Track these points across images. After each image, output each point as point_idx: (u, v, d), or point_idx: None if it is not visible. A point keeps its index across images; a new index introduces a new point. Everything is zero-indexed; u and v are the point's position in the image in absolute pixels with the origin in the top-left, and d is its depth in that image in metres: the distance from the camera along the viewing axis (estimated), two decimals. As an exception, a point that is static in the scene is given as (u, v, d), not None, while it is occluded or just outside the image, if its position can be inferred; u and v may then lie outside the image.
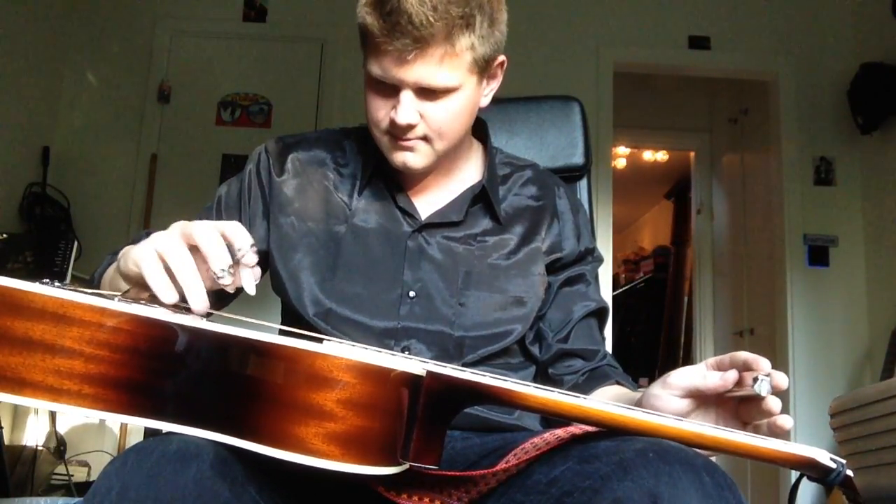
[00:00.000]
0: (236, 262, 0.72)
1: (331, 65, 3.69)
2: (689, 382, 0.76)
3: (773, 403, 0.73)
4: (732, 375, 0.74)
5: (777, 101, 3.78)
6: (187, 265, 0.70)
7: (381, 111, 0.95)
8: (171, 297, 0.70)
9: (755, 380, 0.71)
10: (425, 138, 0.96)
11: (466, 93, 0.95)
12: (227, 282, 0.72)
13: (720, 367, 0.76)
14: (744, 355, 0.74)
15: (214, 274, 0.71)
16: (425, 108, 0.93)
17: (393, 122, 0.94)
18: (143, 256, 0.71)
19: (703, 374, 0.76)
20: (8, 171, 3.25)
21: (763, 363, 0.72)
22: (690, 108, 4.91)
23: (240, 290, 1.00)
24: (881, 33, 3.51)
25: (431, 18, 0.86)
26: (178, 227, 0.74)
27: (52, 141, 3.52)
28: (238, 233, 0.73)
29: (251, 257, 0.73)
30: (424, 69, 0.90)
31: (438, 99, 0.93)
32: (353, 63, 3.62)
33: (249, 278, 0.75)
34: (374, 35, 0.89)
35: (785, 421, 0.74)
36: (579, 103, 1.40)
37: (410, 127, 0.94)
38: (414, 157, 0.97)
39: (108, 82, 3.71)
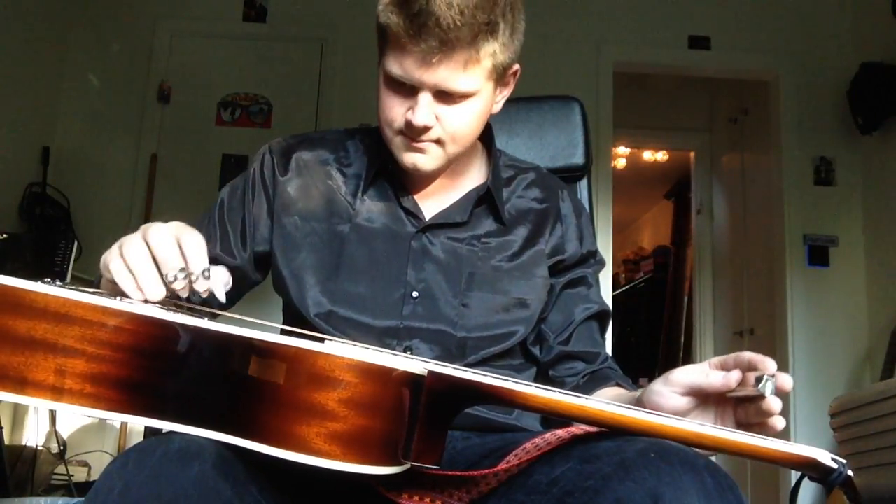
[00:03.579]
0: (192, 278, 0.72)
1: (331, 65, 3.69)
2: (692, 381, 0.77)
3: (774, 403, 0.73)
4: (735, 375, 0.74)
5: (777, 101, 3.79)
6: (140, 258, 0.71)
7: (396, 111, 0.94)
8: (136, 293, 0.70)
9: (758, 380, 0.71)
10: (438, 141, 0.96)
11: (483, 99, 0.95)
12: (178, 286, 0.71)
13: (724, 367, 0.76)
14: (749, 356, 0.74)
15: (166, 277, 0.71)
16: (442, 111, 0.93)
17: (409, 124, 0.93)
18: (110, 259, 0.74)
19: (706, 372, 0.76)
20: (8, 171, 3.25)
21: (769, 364, 0.72)
22: (690, 108, 4.91)
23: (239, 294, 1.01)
24: (881, 33, 3.51)
25: (458, 22, 0.86)
26: (141, 229, 0.75)
27: (52, 141, 3.52)
28: (192, 250, 0.72)
29: (202, 283, 0.72)
30: (447, 73, 0.90)
31: (456, 103, 0.93)
32: (353, 63, 3.62)
33: (218, 285, 0.74)
34: (398, 35, 0.89)
35: (777, 422, 0.74)
36: (579, 103, 1.40)
37: (426, 129, 0.93)
38: (425, 160, 0.97)
39: (108, 82, 3.71)
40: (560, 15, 3.77)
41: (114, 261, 0.73)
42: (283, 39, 3.76)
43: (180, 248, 0.72)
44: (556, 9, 3.77)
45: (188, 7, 3.78)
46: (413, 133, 0.94)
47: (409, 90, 0.93)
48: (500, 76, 0.96)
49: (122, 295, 0.70)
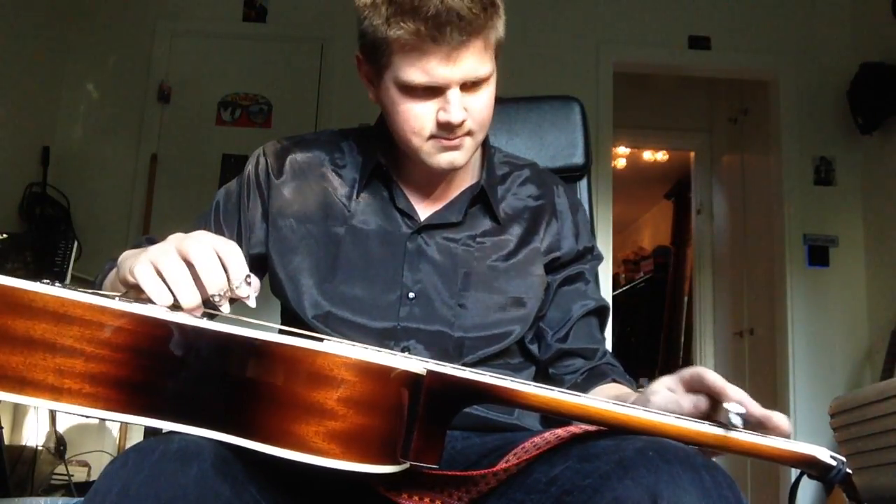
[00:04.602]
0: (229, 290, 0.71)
1: (331, 65, 3.69)
2: (669, 409, 0.73)
3: (778, 420, 0.69)
4: (703, 405, 0.72)
5: (777, 101, 3.78)
6: (180, 274, 0.69)
7: (425, 117, 0.94)
8: (166, 300, 0.69)
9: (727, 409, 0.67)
10: (469, 132, 0.96)
11: (494, 78, 0.96)
12: (224, 308, 0.71)
13: (691, 386, 0.73)
14: (711, 382, 0.70)
15: (211, 297, 0.70)
16: (468, 101, 0.93)
17: (444, 124, 0.93)
18: (137, 265, 0.71)
19: (677, 401, 0.74)
20: (8, 171, 3.25)
21: (731, 393, 0.69)
22: (690, 108, 4.91)
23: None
24: (881, 33, 3.51)
25: (475, 10, 0.87)
26: (174, 241, 0.72)
27: (52, 141, 3.52)
28: (234, 261, 0.71)
29: (244, 290, 0.71)
30: (472, 62, 0.90)
31: (478, 90, 0.94)
32: (353, 63, 3.61)
33: (250, 292, 0.73)
34: (415, 43, 0.88)
35: (781, 420, 0.70)
36: (579, 103, 1.40)
37: (461, 124, 0.94)
38: (460, 155, 0.97)
39: (109, 82, 3.71)
40: (560, 15, 3.77)
41: (145, 272, 0.70)
42: (283, 39, 3.76)
43: (220, 260, 0.70)
44: (556, 9, 3.77)
45: (188, 7, 3.78)
46: (449, 131, 0.94)
47: (432, 92, 0.92)
48: (499, 52, 0.97)
49: (147, 301, 0.69)
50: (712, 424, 0.69)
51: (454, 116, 0.92)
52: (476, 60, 0.91)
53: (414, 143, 0.96)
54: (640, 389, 0.89)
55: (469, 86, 0.93)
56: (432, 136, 0.95)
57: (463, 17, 0.86)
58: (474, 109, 0.94)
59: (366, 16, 0.91)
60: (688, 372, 0.74)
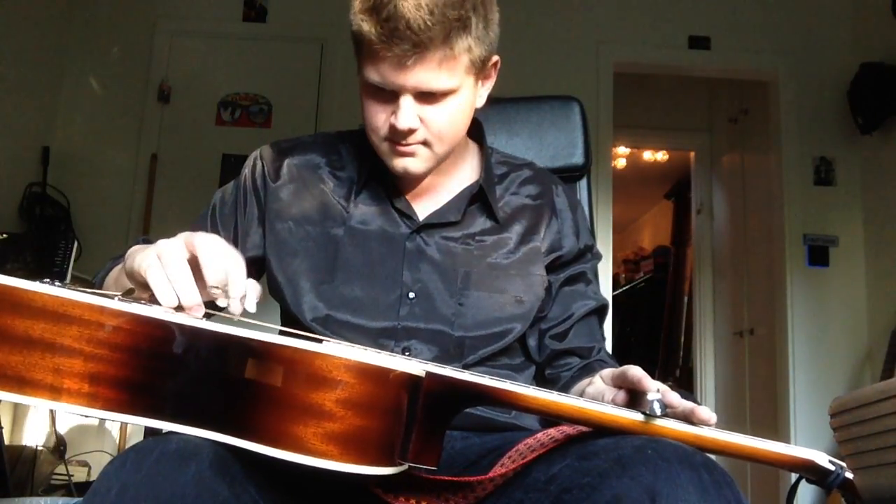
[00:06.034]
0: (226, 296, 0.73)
1: (331, 65, 3.69)
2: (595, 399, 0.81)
3: (703, 413, 0.71)
4: (621, 398, 0.79)
5: (777, 101, 3.78)
6: (182, 269, 0.71)
7: (380, 117, 0.94)
8: (170, 300, 0.70)
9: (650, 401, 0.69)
10: (425, 143, 0.96)
11: (464, 95, 0.95)
12: (221, 302, 0.72)
13: (615, 382, 0.81)
14: (631, 375, 0.76)
15: (211, 287, 0.71)
16: (425, 112, 0.93)
17: (393, 128, 0.93)
18: (146, 259, 0.72)
19: (603, 393, 0.82)
20: (8, 171, 3.25)
21: (646, 384, 0.72)
22: (690, 108, 4.90)
23: None
24: (881, 33, 3.51)
25: (429, 22, 0.86)
26: (184, 235, 0.74)
27: (52, 141, 3.52)
28: (236, 276, 0.73)
29: (237, 306, 0.73)
30: (424, 74, 0.89)
31: (437, 102, 0.93)
32: (352, 63, 3.61)
33: (251, 297, 0.75)
34: (371, 42, 0.88)
35: (705, 414, 0.72)
36: (579, 103, 1.40)
37: (411, 132, 0.93)
38: (414, 162, 0.97)
39: (109, 82, 3.71)
40: (560, 15, 3.77)
41: (152, 266, 0.71)
42: (283, 39, 3.76)
43: (226, 265, 0.72)
44: (556, 9, 3.77)
45: (188, 7, 3.78)
46: (398, 137, 0.94)
47: (389, 95, 0.92)
48: (479, 70, 0.96)
49: (152, 301, 0.70)
50: (634, 411, 0.70)
51: (400, 123, 0.92)
52: (430, 73, 0.90)
53: (374, 141, 0.98)
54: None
55: (427, 96, 0.92)
56: (387, 139, 0.96)
57: (411, 28, 0.85)
58: (431, 121, 0.94)
59: (351, 4, 0.92)
60: (618, 370, 0.81)
